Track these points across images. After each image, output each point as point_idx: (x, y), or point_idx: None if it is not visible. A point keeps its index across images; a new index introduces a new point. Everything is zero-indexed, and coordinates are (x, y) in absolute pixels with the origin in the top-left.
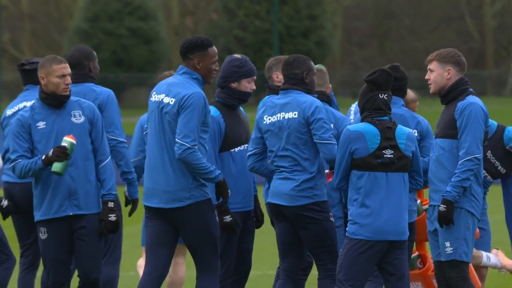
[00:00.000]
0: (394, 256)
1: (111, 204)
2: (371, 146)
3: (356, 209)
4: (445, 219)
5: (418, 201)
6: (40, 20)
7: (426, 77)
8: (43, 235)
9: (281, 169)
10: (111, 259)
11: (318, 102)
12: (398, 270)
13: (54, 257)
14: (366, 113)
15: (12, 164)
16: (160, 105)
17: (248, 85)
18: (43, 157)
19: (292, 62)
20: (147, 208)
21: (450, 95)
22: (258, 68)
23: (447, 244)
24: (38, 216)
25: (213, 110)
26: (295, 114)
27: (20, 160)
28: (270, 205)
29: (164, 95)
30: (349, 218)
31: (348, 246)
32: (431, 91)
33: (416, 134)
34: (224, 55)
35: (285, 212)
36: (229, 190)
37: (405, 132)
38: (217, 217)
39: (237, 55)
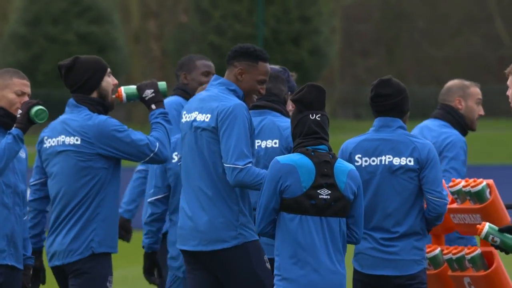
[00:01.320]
0: None
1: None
2: (305, 183)
3: (284, 261)
4: None
5: (438, 249)
6: None
7: (507, 93)
8: None
9: None
10: None
11: None
12: None
13: None
14: (297, 141)
15: None
16: (193, 124)
17: None
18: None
19: None
20: (183, 252)
21: None
22: None
23: None
24: None
25: None
26: (275, 143)
27: None
28: None
29: (196, 112)
30: (275, 272)
31: None
32: None
33: (411, 163)
34: None
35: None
36: None
37: (346, 168)
38: (268, 263)
39: (275, 66)
